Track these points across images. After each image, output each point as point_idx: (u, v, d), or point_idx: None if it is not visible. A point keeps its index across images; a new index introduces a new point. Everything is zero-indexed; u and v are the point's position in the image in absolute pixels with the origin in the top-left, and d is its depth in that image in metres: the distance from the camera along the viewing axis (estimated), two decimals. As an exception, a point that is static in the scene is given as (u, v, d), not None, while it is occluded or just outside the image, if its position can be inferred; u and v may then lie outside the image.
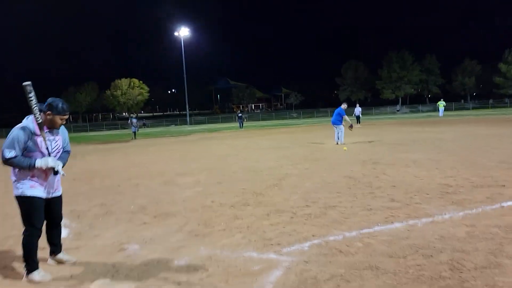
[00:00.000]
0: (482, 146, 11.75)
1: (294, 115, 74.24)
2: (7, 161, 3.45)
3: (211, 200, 6.53)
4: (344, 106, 15.77)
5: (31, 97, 3.51)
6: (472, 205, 5.30)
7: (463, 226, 4.44)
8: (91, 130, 61.79)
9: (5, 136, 3.84)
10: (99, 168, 12.14)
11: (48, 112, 3.56)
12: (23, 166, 3.48)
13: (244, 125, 39.49)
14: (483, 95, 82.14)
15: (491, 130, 18.17)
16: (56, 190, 3.80)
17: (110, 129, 63.43)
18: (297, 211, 5.50)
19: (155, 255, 4.10)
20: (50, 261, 4.00)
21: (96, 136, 38.98)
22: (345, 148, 13.42)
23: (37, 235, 3.63)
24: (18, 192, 3.56)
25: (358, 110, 30.81)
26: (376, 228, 4.54)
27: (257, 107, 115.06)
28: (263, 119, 67.02)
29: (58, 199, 3.87)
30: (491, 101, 67.47)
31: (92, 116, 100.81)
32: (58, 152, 3.77)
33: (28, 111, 3.59)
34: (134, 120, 30.21)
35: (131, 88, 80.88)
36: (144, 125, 57.40)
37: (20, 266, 3.93)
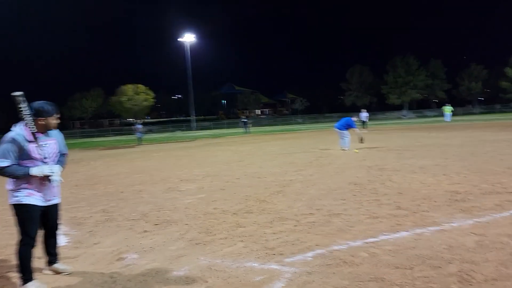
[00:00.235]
0: (490, 152, 11.56)
1: (299, 120, 74.06)
2: (1, 171, 3.35)
3: (214, 207, 6.42)
4: (355, 118, 15.62)
5: (21, 107, 3.39)
6: (481, 213, 5.15)
7: (472, 235, 4.29)
8: (97, 136, 62.01)
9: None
10: (103, 174, 12.08)
11: (40, 118, 3.49)
12: (18, 175, 3.39)
13: (251, 130, 39.34)
14: (490, 100, 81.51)
15: (499, 135, 17.93)
16: (54, 198, 3.71)
17: (116, 134, 63.62)
18: (300, 219, 5.38)
19: (154, 264, 4.00)
20: (46, 271, 3.91)
21: (102, 142, 39.09)
22: (356, 150, 13.30)
23: (32, 245, 3.53)
24: (14, 200, 3.48)
25: (364, 115, 30.63)
26: (382, 237, 4.40)
27: (262, 112, 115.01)
28: (268, 125, 66.90)
29: (56, 207, 3.77)
30: (498, 106, 66.90)
31: (98, 122, 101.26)
32: (56, 156, 3.69)
33: (18, 118, 3.52)
34: (139, 126, 30.28)
35: (137, 94, 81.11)
36: (150, 130, 57.51)
37: (16, 276, 3.84)
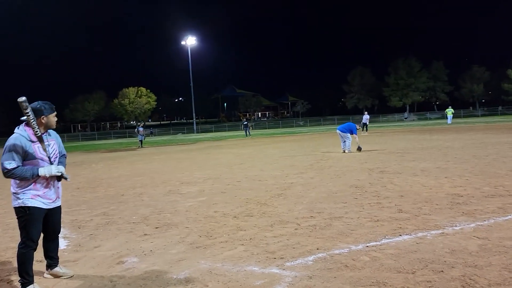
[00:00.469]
0: (492, 154, 11.51)
1: (301, 123, 74.09)
2: (9, 173, 3.35)
3: (214, 210, 6.40)
4: (358, 126, 15.65)
5: (28, 112, 3.42)
6: (484, 216, 5.11)
7: (475, 238, 4.25)
8: (99, 139, 62.10)
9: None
10: (104, 176, 12.07)
11: (42, 116, 3.51)
12: (26, 176, 3.39)
13: (251, 133, 39.34)
14: (492, 102, 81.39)
15: (501, 137, 17.87)
16: (57, 200, 3.71)
17: (118, 137, 63.72)
18: (301, 222, 5.35)
19: (154, 268, 3.97)
20: (47, 275, 3.88)
21: (104, 145, 39.12)
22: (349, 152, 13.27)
23: (33, 248, 3.52)
24: (18, 202, 3.46)
25: (365, 117, 30.59)
26: (384, 240, 4.37)
27: (263, 115, 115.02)
28: (269, 127, 66.90)
29: (58, 210, 3.76)
30: (500, 108, 66.77)
31: (100, 124, 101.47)
32: (56, 157, 3.69)
33: (19, 122, 3.53)
34: (141, 129, 30.33)
35: (139, 97, 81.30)
36: (151, 133, 57.58)
37: (16, 280, 3.82)
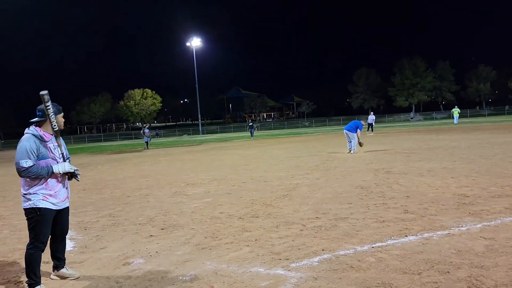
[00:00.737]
0: (499, 154, 11.43)
1: (306, 123, 73.95)
2: (26, 171, 3.40)
3: (220, 212, 6.41)
4: (363, 122, 15.73)
5: (48, 105, 3.52)
6: (491, 216, 5.08)
7: (482, 239, 4.23)
8: (105, 140, 62.36)
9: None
10: (110, 178, 12.13)
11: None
12: (42, 173, 3.45)
13: (255, 134, 39.39)
14: (499, 101, 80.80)
15: (508, 137, 17.73)
16: (66, 200, 3.75)
17: (123, 139, 63.98)
18: (307, 223, 5.34)
19: (160, 269, 3.98)
20: (53, 276, 3.91)
21: (110, 146, 39.30)
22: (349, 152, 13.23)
23: (41, 249, 3.55)
24: (29, 204, 3.50)
25: (371, 118, 30.49)
26: (389, 241, 4.35)
27: (269, 116, 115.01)
28: (275, 128, 66.87)
29: (66, 211, 3.81)
30: (507, 107, 66.25)
31: (106, 126, 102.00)
32: (67, 158, 3.74)
33: (27, 124, 3.60)
34: (147, 130, 30.42)
35: (144, 99, 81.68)
36: (157, 134, 57.74)
37: (23, 281, 3.86)
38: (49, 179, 3.53)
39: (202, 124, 71.46)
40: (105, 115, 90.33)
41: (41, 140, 3.53)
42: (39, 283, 3.53)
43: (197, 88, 64.17)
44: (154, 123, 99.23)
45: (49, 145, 3.57)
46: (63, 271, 3.91)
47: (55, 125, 3.55)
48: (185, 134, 65.84)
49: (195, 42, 62.62)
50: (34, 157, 3.43)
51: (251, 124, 39.58)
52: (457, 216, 5.17)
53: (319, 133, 38.87)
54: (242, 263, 3.98)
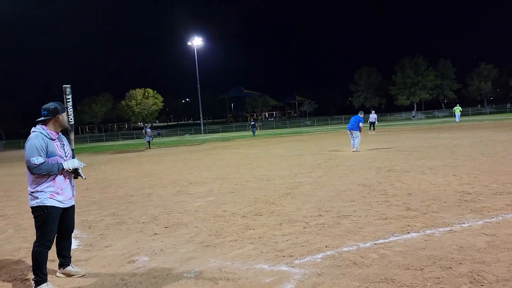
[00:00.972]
0: (501, 152, 11.44)
1: (308, 122, 73.95)
2: (37, 168, 3.45)
3: (223, 210, 6.45)
4: (361, 113, 15.96)
5: (69, 99, 3.71)
6: (492, 213, 5.11)
7: (483, 235, 4.26)
8: (106, 140, 62.47)
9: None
10: (112, 177, 12.19)
11: (57, 115, 3.65)
12: (54, 170, 3.52)
13: (256, 133, 39.43)
14: (501, 99, 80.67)
15: (510, 135, 17.73)
16: (72, 198, 3.81)
17: (125, 139, 64.07)
18: (310, 220, 5.38)
19: (165, 266, 4.03)
20: (59, 274, 3.96)
21: (111, 146, 39.39)
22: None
23: (48, 247, 3.60)
24: (36, 202, 3.55)
25: (373, 116, 30.48)
26: (392, 238, 4.39)
27: (270, 115, 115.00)
28: (277, 127, 66.88)
29: (72, 209, 3.86)
30: (508, 105, 66.13)
31: (108, 126, 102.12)
32: (70, 156, 3.80)
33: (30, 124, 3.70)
34: (148, 130, 30.49)
35: (146, 98, 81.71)
36: (159, 134, 57.84)
37: (29, 279, 3.91)
38: (56, 177, 3.58)
39: (204, 124, 71.53)
40: (106, 115, 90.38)
41: (49, 138, 3.58)
42: (45, 281, 3.58)
43: (198, 87, 64.25)
44: (155, 122, 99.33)
45: (55, 143, 3.63)
46: (69, 268, 3.96)
47: (71, 119, 3.70)
48: (187, 133, 65.89)
49: (196, 42, 62.66)
50: (44, 154, 3.49)
51: (253, 123, 39.63)
52: (459, 213, 5.20)
53: (321, 132, 38.88)
54: (246, 260, 4.02)
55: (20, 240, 5.48)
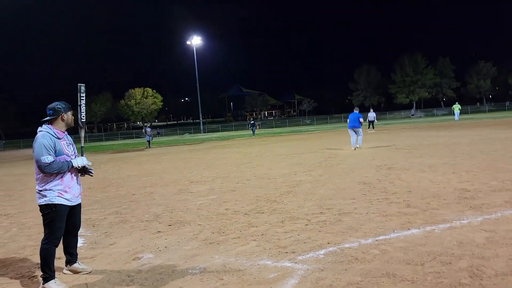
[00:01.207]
0: (499, 150, 11.52)
1: (308, 121, 74.06)
2: (48, 167, 3.52)
3: (225, 208, 6.52)
4: (357, 109, 16.16)
5: (83, 97, 3.85)
6: (491, 209, 5.18)
7: (482, 231, 4.33)
8: (106, 140, 62.52)
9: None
10: (113, 176, 12.25)
11: (62, 114, 3.72)
12: (64, 168, 3.60)
13: (256, 132, 39.50)
14: (500, 97, 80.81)
15: (509, 133, 17.82)
16: (79, 197, 3.88)
17: (125, 138, 64.12)
18: (311, 218, 5.45)
19: (170, 263, 4.10)
20: (66, 270, 4.02)
21: (111, 146, 39.43)
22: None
23: (56, 244, 3.67)
24: (45, 200, 3.61)
25: (371, 115, 30.54)
26: (393, 234, 4.46)
27: (270, 114, 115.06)
28: (276, 126, 66.96)
29: (79, 207, 3.94)
30: (507, 103, 66.27)
31: (107, 125, 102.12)
32: (76, 155, 3.87)
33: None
34: (148, 129, 30.55)
35: (145, 98, 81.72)
36: (158, 133, 57.86)
37: (36, 276, 3.97)
38: (64, 176, 3.65)
39: (203, 123, 71.57)
40: (105, 114, 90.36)
41: (56, 137, 3.65)
42: (53, 277, 3.65)
43: (197, 86, 64.28)
44: (155, 122, 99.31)
45: (62, 142, 3.70)
46: (76, 265, 4.02)
47: (83, 116, 3.83)
48: (187, 133, 65.96)
49: (195, 41, 62.69)
50: (52, 152, 3.56)
51: (252, 122, 39.71)
52: (459, 210, 5.28)
53: (320, 131, 38.95)
54: (249, 257, 4.09)
55: (25, 239, 5.54)
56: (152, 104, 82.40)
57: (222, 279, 3.57)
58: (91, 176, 3.98)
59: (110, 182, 10.92)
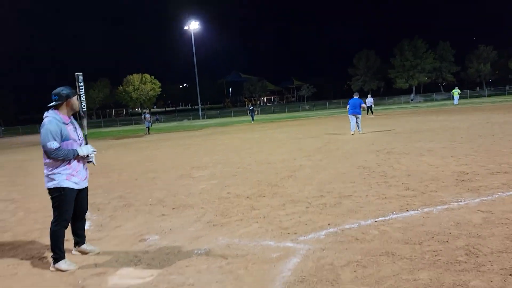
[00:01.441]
0: (498, 133, 11.62)
1: (307, 107, 74.00)
2: (55, 152, 3.60)
3: (227, 192, 6.63)
4: (357, 95, 16.27)
5: (81, 86, 3.90)
6: (488, 191, 5.30)
7: (479, 212, 4.45)
8: (105, 126, 62.50)
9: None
10: (115, 162, 12.34)
11: (68, 99, 3.78)
12: (69, 155, 3.67)
13: (255, 118, 39.53)
14: (499, 81, 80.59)
15: (508, 117, 17.90)
16: (85, 180, 3.98)
17: (123, 124, 64.09)
18: (312, 201, 5.56)
19: (176, 244, 4.22)
20: (75, 251, 4.14)
21: (111, 132, 39.47)
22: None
23: (65, 226, 3.79)
24: (53, 183, 3.70)
25: (369, 100, 30.55)
26: (392, 216, 4.58)
27: (269, 100, 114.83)
28: (275, 112, 66.93)
29: (86, 190, 4.04)
30: (507, 87, 66.17)
31: (106, 112, 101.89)
32: (82, 140, 3.95)
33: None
34: (148, 116, 30.55)
35: (143, 84, 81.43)
36: (157, 120, 57.85)
37: (46, 257, 4.09)
38: (71, 160, 3.73)
39: (202, 109, 71.46)
40: (104, 100, 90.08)
41: (62, 122, 3.72)
42: (63, 257, 3.77)
43: (196, 72, 64.01)
44: (153, 108, 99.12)
45: (69, 127, 3.77)
46: (84, 247, 4.15)
47: (84, 106, 3.86)
48: (185, 119, 65.92)
49: (193, 26, 62.18)
50: (59, 138, 3.63)
51: (251, 108, 39.69)
52: (456, 192, 5.39)
53: (320, 116, 38.99)
54: (253, 238, 4.21)
55: (32, 222, 5.66)
56: (151, 90, 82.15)
57: (227, 259, 3.69)
58: (93, 165, 4.07)
59: (112, 168, 11.02)
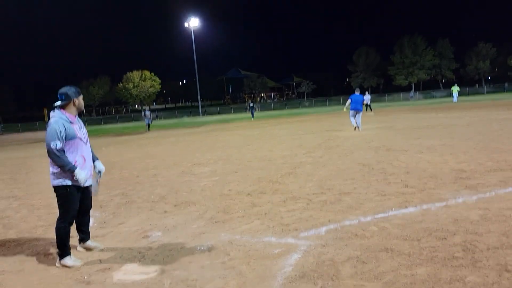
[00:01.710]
0: (497, 131, 11.70)
1: (306, 104, 73.92)
2: (53, 152, 3.66)
3: (228, 189, 6.70)
4: (358, 91, 16.40)
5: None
6: (486, 189, 5.38)
7: (477, 209, 4.53)
8: (105, 123, 62.47)
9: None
10: (116, 159, 12.40)
11: (74, 99, 3.86)
12: (65, 166, 3.68)
13: (255, 115, 39.55)
14: (499, 78, 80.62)
15: (506, 114, 17.98)
16: (90, 178, 4.04)
17: (123, 121, 64.05)
18: (312, 198, 5.64)
19: (178, 240, 4.30)
20: (79, 248, 4.22)
21: (111, 129, 39.51)
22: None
23: (71, 223, 3.87)
24: (59, 181, 3.77)
25: (367, 98, 30.52)
26: (391, 212, 4.66)
27: (268, 96, 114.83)
28: (275, 109, 66.92)
29: (90, 187, 4.10)
30: (506, 84, 66.18)
31: (106, 109, 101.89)
32: (87, 139, 4.04)
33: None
34: (148, 112, 30.55)
35: (143, 81, 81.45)
36: (157, 117, 57.81)
37: (52, 253, 4.17)
38: (77, 158, 3.80)
39: (202, 106, 71.44)
40: (104, 97, 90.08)
41: (68, 122, 3.79)
42: (69, 254, 3.85)
43: (196, 69, 63.96)
44: (153, 105, 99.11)
45: (75, 126, 3.83)
46: (88, 243, 4.22)
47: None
48: (185, 116, 65.87)
49: (193, 23, 62.03)
50: (63, 139, 3.69)
51: (251, 105, 39.69)
52: (454, 189, 5.47)
53: (320, 113, 39.04)
54: (254, 234, 4.29)
55: (35, 219, 5.73)
56: (151, 87, 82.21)
57: (229, 255, 3.77)
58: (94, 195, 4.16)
59: (112, 165, 11.07)
